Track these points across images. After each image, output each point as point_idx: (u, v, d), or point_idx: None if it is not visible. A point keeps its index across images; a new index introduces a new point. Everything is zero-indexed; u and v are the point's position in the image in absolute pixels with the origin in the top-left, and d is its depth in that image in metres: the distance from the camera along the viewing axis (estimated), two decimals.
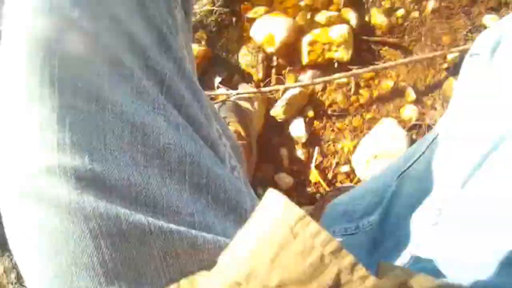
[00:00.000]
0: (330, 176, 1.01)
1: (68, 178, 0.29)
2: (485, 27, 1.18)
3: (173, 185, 0.33)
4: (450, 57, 1.11)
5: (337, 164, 1.01)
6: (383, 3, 1.10)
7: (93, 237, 0.28)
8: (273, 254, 0.26)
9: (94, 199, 0.29)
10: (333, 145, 1.02)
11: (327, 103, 1.04)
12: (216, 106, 0.97)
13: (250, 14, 1.06)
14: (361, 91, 1.05)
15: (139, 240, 0.29)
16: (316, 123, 1.03)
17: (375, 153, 0.99)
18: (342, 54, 1.02)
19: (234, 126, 0.95)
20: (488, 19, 1.18)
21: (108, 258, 0.29)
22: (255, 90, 0.99)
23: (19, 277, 1.19)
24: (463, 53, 1.12)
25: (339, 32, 1.02)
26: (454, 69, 1.11)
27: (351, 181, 1.01)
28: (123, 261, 0.29)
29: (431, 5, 1.14)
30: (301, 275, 0.26)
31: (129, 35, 0.34)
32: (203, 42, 1.05)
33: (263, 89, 1.00)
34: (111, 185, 0.30)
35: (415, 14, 1.13)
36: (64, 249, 0.28)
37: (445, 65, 1.11)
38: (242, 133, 0.96)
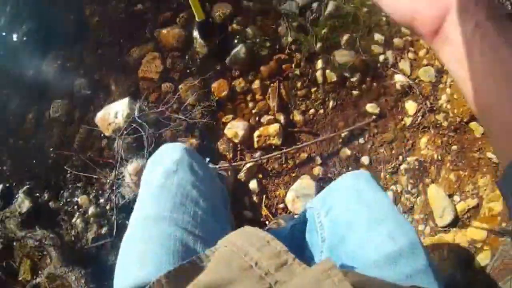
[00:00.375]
0: (273, 210, 1.78)
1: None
2: (368, 112, 1.90)
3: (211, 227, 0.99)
4: (343, 135, 1.87)
5: (277, 203, 1.78)
6: (300, 107, 1.88)
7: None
8: (258, 246, 0.59)
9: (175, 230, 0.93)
10: (274, 193, 1.79)
11: (269, 169, 1.81)
12: None
13: (223, 120, 1.85)
14: (289, 161, 1.82)
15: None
16: (263, 181, 1.80)
17: (298, 195, 1.75)
18: (276, 141, 1.80)
19: None
20: (369, 107, 1.90)
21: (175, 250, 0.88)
22: (228, 164, 1.76)
23: (86, 283, 1.91)
24: (351, 132, 1.87)
25: (274, 128, 1.80)
26: (346, 143, 1.86)
27: (286, 212, 1.77)
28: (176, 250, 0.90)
29: (331, 104, 1.90)
30: (270, 256, 0.57)
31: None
32: (196, 137, 1.83)
33: (233, 164, 1.77)
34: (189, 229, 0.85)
35: (321, 111, 1.89)
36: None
37: (340, 140, 1.87)
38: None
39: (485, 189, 1.69)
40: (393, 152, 1.86)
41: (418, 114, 1.86)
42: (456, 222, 1.67)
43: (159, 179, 0.95)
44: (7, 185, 2.08)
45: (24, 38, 2.23)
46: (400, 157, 1.84)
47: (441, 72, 1.90)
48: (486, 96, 0.34)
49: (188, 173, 0.97)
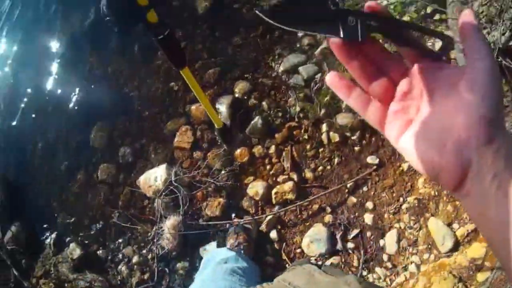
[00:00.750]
0: (291, 255, 2.11)
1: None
2: (369, 163, 2.23)
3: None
4: (349, 186, 2.20)
5: (295, 249, 2.11)
6: (310, 165, 2.23)
7: None
8: (296, 272, 1.07)
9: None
10: (292, 240, 2.13)
11: (286, 220, 2.16)
12: (233, 227, 2.09)
13: (246, 181, 2.22)
14: (303, 212, 2.17)
15: None
16: (282, 230, 2.15)
17: (311, 241, 2.08)
18: (291, 196, 2.15)
19: (242, 236, 2.06)
20: (370, 159, 2.22)
21: None
22: (251, 218, 2.12)
23: None
24: (356, 182, 2.20)
25: (289, 185, 2.16)
26: (351, 192, 2.19)
27: (302, 257, 2.10)
28: None
29: (336, 160, 2.24)
30: (302, 277, 1.01)
31: None
32: (223, 197, 2.20)
33: (255, 217, 2.12)
34: None
35: (328, 167, 2.24)
36: None
37: (346, 190, 2.20)
38: (247, 239, 2.07)
39: None
40: (394, 195, 2.14)
41: None
42: (457, 247, 1.85)
43: (212, 266, 1.33)
44: (59, 234, 2.50)
45: (77, 108, 2.71)
46: (401, 199, 2.11)
47: None
48: (503, 246, 0.35)
49: (234, 263, 1.36)
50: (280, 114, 2.27)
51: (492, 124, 0.37)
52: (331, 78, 0.46)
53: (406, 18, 1.89)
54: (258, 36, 2.47)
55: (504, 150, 0.36)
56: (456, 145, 0.37)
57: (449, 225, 1.92)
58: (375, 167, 2.17)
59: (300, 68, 2.36)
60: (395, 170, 2.15)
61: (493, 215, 0.35)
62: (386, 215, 2.11)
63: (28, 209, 2.60)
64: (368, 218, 2.10)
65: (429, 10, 1.85)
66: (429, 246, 1.96)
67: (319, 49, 2.40)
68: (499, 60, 1.77)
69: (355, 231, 2.08)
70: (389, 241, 2.04)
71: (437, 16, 1.86)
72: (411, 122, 0.43)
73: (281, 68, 2.39)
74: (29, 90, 2.97)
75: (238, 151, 2.25)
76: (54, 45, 2.99)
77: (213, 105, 2.33)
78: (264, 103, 2.31)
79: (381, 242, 2.06)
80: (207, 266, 1.38)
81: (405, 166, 2.14)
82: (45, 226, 2.54)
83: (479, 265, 1.67)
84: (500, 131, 0.37)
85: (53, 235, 2.50)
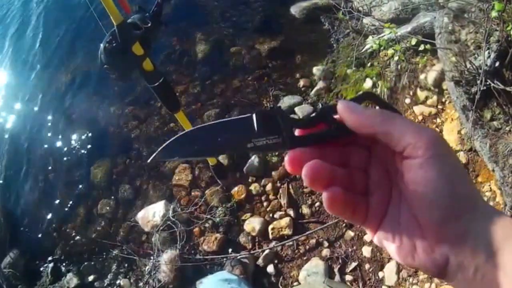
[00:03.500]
0: None
1: None
2: None
3: None
4: (346, 220, 2.40)
5: (292, 282, 2.30)
6: (307, 201, 2.45)
7: None
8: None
9: None
10: (289, 274, 2.32)
11: (283, 255, 2.37)
12: (229, 260, 2.28)
13: (243, 217, 2.44)
14: (300, 247, 2.37)
15: None
16: (279, 265, 2.35)
17: (309, 274, 2.26)
18: (287, 231, 2.37)
19: (238, 269, 2.25)
20: None
21: None
22: (248, 253, 2.31)
23: None
24: None
25: (285, 221, 2.38)
26: (349, 226, 2.39)
27: None
28: None
29: None
30: None
31: None
32: (220, 233, 2.41)
33: (252, 252, 2.32)
34: None
35: None
36: None
37: (344, 225, 2.41)
38: (243, 272, 2.25)
39: None
40: None
41: None
42: None
43: (215, 282, 1.53)
44: (57, 264, 2.72)
45: (78, 145, 3.07)
46: None
47: None
48: None
49: (237, 286, 1.57)
50: (276, 153, 2.53)
51: (463, 217, 0.35)
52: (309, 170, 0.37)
53: (390, 51, 2.18)
54: (255, 78, 2.79)
55: (482, 241, 0.34)
56: (426, 246, 0.36)
57: None
58: None
59: (296, 109, 2.65)
60: None
61: None
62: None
63: (28, 238, 2.86)
64: (366, 251, 2.30)
65: (413, 41, 2.10)
66: (430, 276, 2.13)
67: (314, 90, 2.70)
68: (487, 83, 1.90)
69: (353, 264, 2.27)
70: (388, 273, 2.22)
71: (421, 47, 2.11)
72: (385, 216, 0.40)
73: None
74: (33, 128, 3.36)
75: (235, 189, 2.50)
76: (58, 87, 3.43)
77: None
78: None
79: (380, 274, 2.24)
80: (207, 284, 1.56)
81: None
82: (43, 255, 2.77)
83: None
84: (475, 219, 0.35)
85: (51, 264, 2.72)
